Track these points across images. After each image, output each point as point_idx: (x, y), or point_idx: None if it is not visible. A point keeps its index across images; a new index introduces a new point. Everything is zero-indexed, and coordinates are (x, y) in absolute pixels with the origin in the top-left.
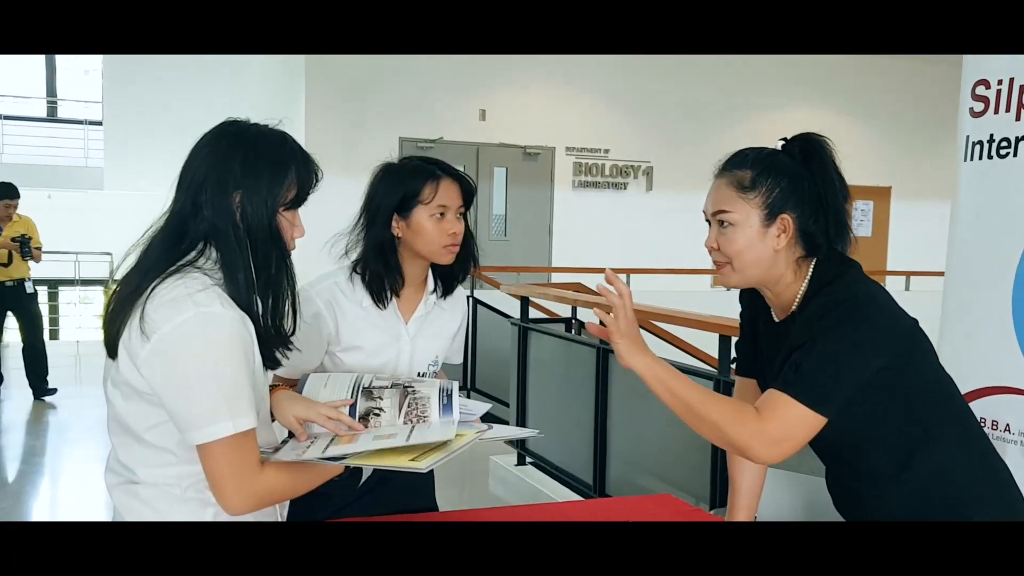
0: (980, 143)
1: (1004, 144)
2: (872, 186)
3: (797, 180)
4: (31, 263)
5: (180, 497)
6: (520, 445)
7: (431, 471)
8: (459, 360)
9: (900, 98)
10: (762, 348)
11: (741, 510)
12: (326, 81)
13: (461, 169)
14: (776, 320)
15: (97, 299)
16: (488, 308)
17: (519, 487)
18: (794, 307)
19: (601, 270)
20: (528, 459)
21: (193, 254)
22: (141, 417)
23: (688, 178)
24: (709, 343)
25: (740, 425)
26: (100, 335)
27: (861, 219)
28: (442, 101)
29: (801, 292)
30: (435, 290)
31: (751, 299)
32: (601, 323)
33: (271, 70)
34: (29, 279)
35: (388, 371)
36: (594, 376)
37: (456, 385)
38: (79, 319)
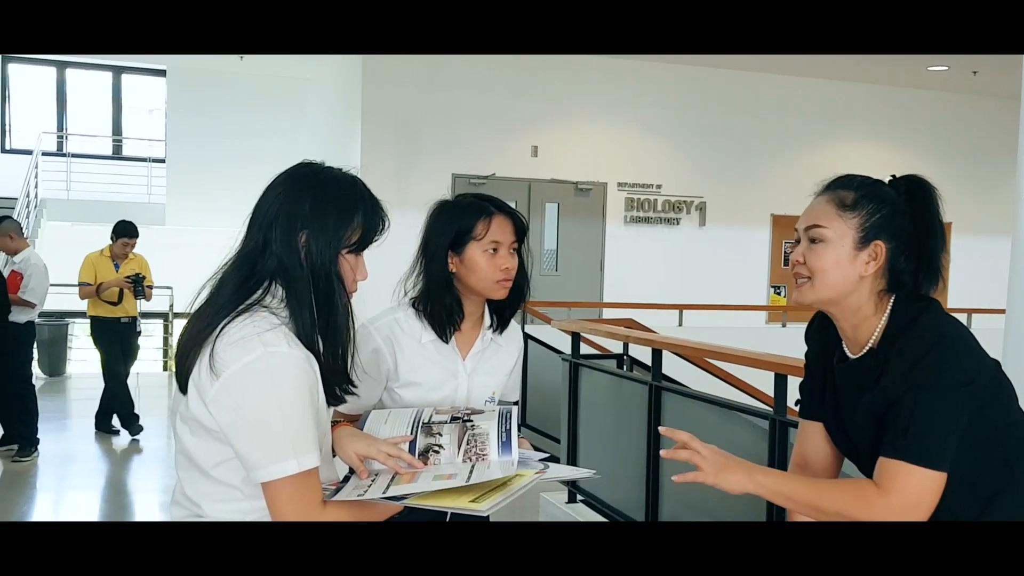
0: None
1: None
2: None
3: (898, 213)
4: (141, 300)
5: None
6: (571, 483)
7: None
8: (515, 397)
9: (958, 133)
10: (834, 385)
11: None
12: (381, 118)
13: (512, 205)
14: (850, 356)
15: (157, 332)
16: (539, 343)
17: None
18: (871, 343)
19: (655, 306)
20: (579, 497)
21: (260, 292)
22: (208, 453)
23: (742, 213)
24: (764, 381)
25: (865, 506)
26: (159, 367)
27: None
28: (494, 137)
29: (880, 328)
30: (491, 325)
31: (821, 335)
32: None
33: (329, 108)
34: (138, 317)
35: (446, 406)
36: (646, 413)
37: (516, 411)
38: (139, 351)
